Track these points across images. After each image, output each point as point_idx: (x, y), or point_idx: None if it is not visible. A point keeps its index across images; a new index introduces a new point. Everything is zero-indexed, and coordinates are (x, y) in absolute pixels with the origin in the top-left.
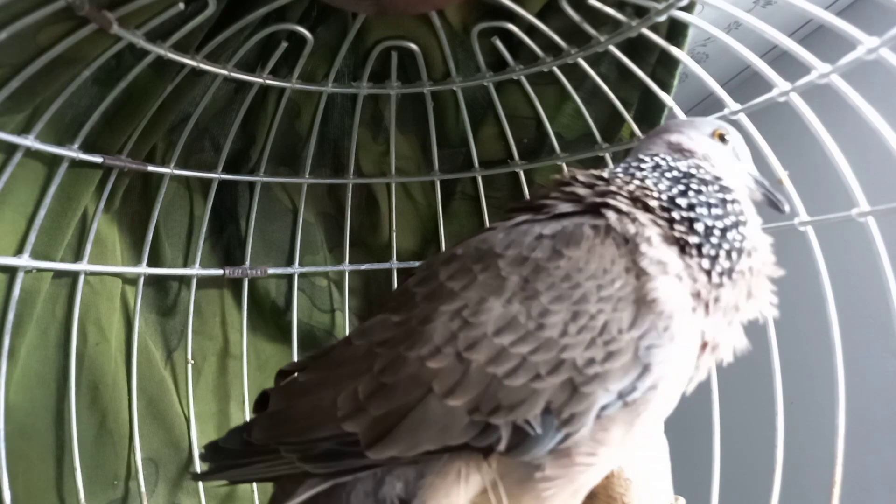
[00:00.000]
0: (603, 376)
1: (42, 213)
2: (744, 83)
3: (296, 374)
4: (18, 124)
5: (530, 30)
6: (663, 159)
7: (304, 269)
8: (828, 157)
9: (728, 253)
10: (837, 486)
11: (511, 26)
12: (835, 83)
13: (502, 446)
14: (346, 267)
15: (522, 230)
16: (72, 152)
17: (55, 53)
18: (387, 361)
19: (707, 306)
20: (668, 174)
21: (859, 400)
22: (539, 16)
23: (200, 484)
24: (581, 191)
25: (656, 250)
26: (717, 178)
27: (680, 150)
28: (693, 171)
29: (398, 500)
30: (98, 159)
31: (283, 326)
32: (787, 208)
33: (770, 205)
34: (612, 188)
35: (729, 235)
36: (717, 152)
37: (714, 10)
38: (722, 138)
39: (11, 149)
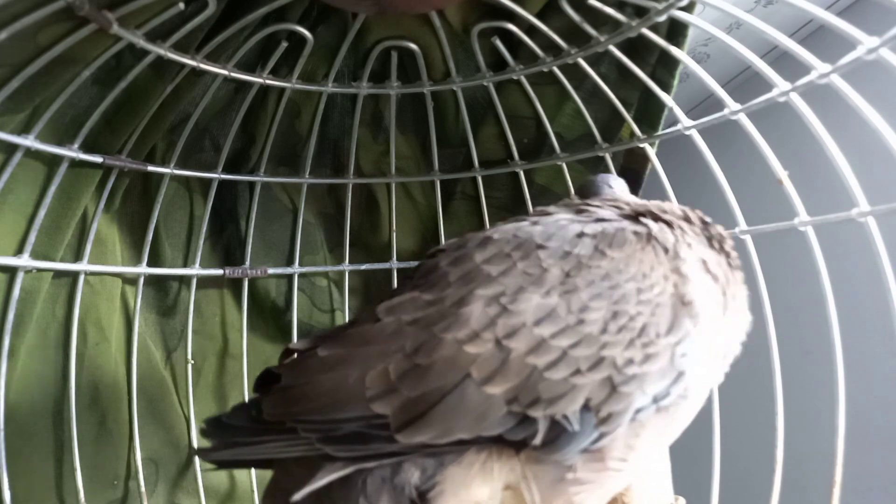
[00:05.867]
0: (641, 378)
1: (42, 213)
2: (746, 82)
3: (312, 350)
4: (18, 124)
5: (530, 30)
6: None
7: (304, 269)
8: (828, 157)
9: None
10: (837, 487)
11: (511, 26)
12: (835, 83)
13: (538, 440)
14: (346, 267)
15: (562, 225)
16: (72, 152)
17: (55, 53)
18: (420, 341)
19: (727, 304)
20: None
21: (859, 401)
22: (539, 16)
23: (200, 484)
24: (623, 204)
25: (695, 251)
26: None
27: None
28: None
29: (415, 490)
30: (98, 159)
31: (283, 326)
32: None
33: None
34: (652, 207)
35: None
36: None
37: (715, 10)
38: None
39: (11, 149)
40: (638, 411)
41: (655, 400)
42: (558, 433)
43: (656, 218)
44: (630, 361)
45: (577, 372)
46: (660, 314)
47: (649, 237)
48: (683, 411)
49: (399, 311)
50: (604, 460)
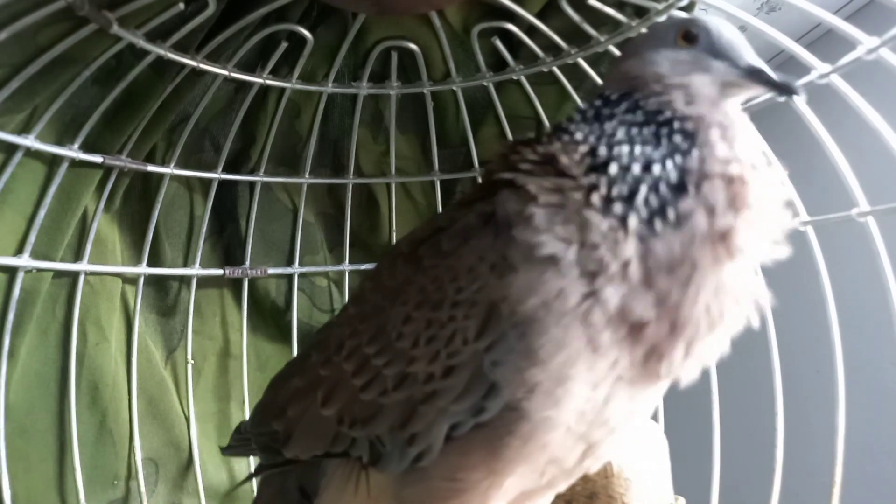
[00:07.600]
0: (438, 394)
1: (42, 213)
2: None
3: None
4: (18, 124)
5: (530, 30)
6: (604, 102)
7: (304, 269)
8: (828, 157)
9: (654, 188)
10: (837, 487)
11: (511, 26)
12: (835, 83)
13: (365, 459)
14: (346, 267)
15: (432, 224)
16: (72, 152)
17: (55, 53)
18: (305, 366)
19: (625, 269)
20: (605, 121)
21: (858, 402)
22: (539, 16)
23: (200, 484)
24: (497, 167)
25: (533, 230)
26: (657, 112)
27: (628, 80)
28: (629, 113)
29: (303, 492)
30: (98, 159)
31: (283, 326)
32: (796, 83)
33: (773, 89)
34: (530, 156)
35: (655, 168)
36: (676, 65)
37: (718, 13)
38: (687, 38)
39: (11, 149)
40: (454, 428)
41: (474, 415)
42: (378, 453)
43: (514, 185)
44: (431, 377)
45: (384, 392)
46: (473, 315)
47: (490, 217)
48: (525, 429)
49: (318, 335)
50: (430, 479)
